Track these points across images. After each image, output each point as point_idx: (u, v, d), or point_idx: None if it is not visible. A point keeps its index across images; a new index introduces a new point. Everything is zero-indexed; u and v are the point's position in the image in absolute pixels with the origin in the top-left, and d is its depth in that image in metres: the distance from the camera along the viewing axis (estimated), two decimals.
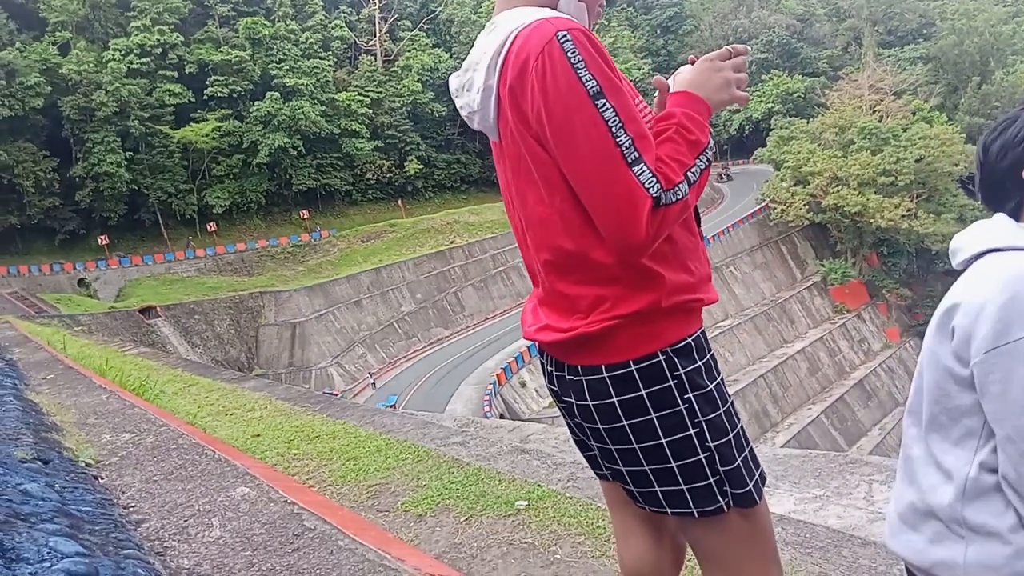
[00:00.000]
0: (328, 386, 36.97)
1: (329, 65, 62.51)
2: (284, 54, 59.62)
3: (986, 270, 1.18)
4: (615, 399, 1.36)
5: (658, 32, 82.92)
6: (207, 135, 53.51)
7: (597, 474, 1.66)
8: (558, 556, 2.71)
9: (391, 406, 26.41)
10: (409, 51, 69.29)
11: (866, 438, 40.15)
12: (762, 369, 40.35)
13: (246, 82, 57.32)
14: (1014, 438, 1.09)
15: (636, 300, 1.33)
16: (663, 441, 1.37)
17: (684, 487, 1.38)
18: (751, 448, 1.47)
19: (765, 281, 49.75)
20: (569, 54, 1.25)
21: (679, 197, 1.27)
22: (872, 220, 47.39)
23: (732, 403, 1.45)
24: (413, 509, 3.28)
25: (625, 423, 1.37)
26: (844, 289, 49.70)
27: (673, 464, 1.37)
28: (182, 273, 48.49)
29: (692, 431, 1.37)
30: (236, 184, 57.02)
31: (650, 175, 1.25)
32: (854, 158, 48.85)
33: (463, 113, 1.50)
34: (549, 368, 1.52)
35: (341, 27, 67.22)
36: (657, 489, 1.41)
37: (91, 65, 49.73)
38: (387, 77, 66.93)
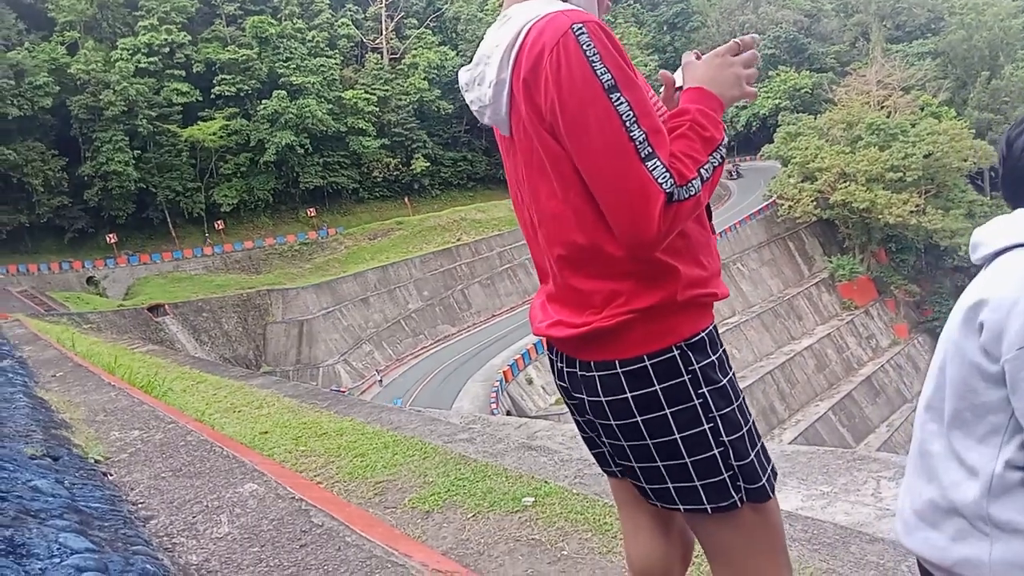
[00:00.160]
0: (335, 383, 37.05)
1: (336, 63, 62.58)
2: (291, 52, 59.71)
3: (1014, 265, 1.16)
4: (629, 395, 1.36)
5: (664, 28, 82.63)
6: (214, 134, 53.68)
7: (605, 471, 1.65)
8: (565, 552, 2.71)
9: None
10: (415, 49, 69.27)
11: (874, 435, 40.00)
12: (769, 366, 40.25)
13: (253, 81, 57.45)
14: None
15: (651, 294, 1.33)
16: (677, 437, 1.36)
17: (698, 483, 1.38)
18: (763, 443, 1.47)
19: (773, 278, 49.59)
20: (584, 47, 1.24)
21: (692, 194, 1.26)
22: (880, 216, 47.16)
23: (744, 398, 1.45)
24: (420, 505, 3.28)
25: (639, 419, 1.37)
26: (852, 285, 49.49)
27: (687, 460, 1.37)
28: (190, 271, 48.72)
29: (706, 426, 1.36)
30: (243, 182, 57.18)
31: (663, 170, 1.24)
32: (862, 154, 48.60)
33: (474, 108, 1.49)
34: (560, 364, 1.51)
35: (347, 25, 67.26)
36: (670, 485, 1.40)
37: (99, 64, 49.93)
38: (393, 75, 66.96)
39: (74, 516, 2.01)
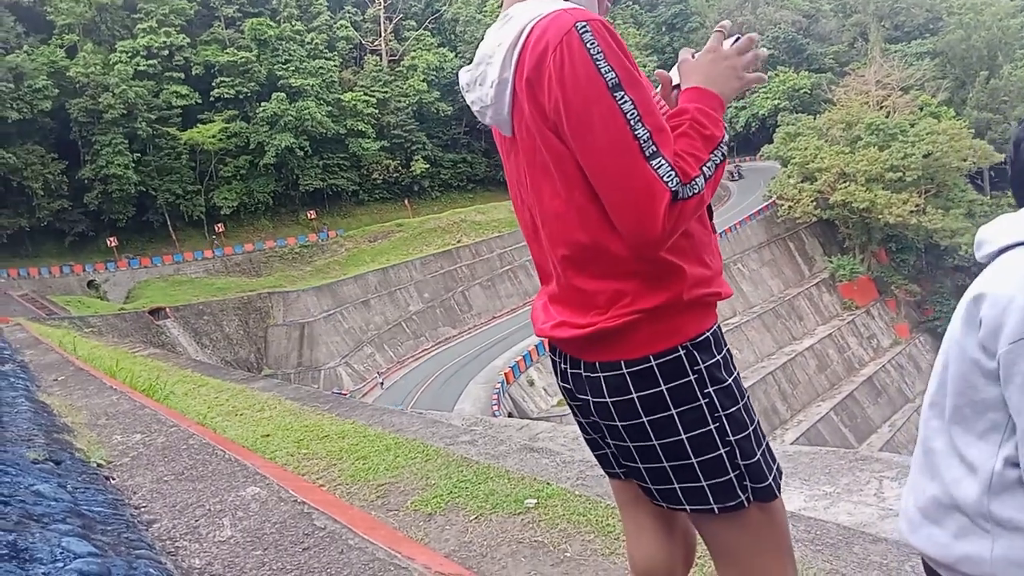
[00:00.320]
0: (337, 386, 37.06)
1: (335, 65, 62.65)
2: (290, 55, 59.79)
3: (1015, 263, 1.16)
4: (634, 395, 1.35)
5: (663, 29, 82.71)
6: (214, 136, 53.71)
7: (608, 473, 1.65)
8: (568, 554, 2.71)
9: None
10: (414, 51, 69.36)
11: (876, 435, 39.98)
12: (771, 366, 40.23)
13: (252, 83, 57.50)
14: None
15: (657, 294, 1.33)
16: (683, 437, 1.36)
17: (704, 483, 1.37)
18: (768, 442, 1.47)
19: (773, 278, 49.58)
20: (588, 45, 1.24)
21: (695, 191, 1.26)
22: (880, 216, 47.16)
23: (748, 397, 1.45)
24: (423, 508, 3.28)
25: (645, 419, 1.36)
26: (853, 285, 49.49)
27: (693, 460, 1.36)
28: (191, 274, 48.73)
29: (712, 426, 1.36)
30: (243, 185, 57.22)
31: (668, 168, 1.24)
32: (861, 154, 48.61)
33: (475, 108, 1.49)
34: (563, 366, 1.50)
35: (346, 27, 67.34)
36: (676, 486, 1.40)
37: (98, 67, 49.99)
38: (392, 77, 67.04)
39: (77, 520, 2.01)
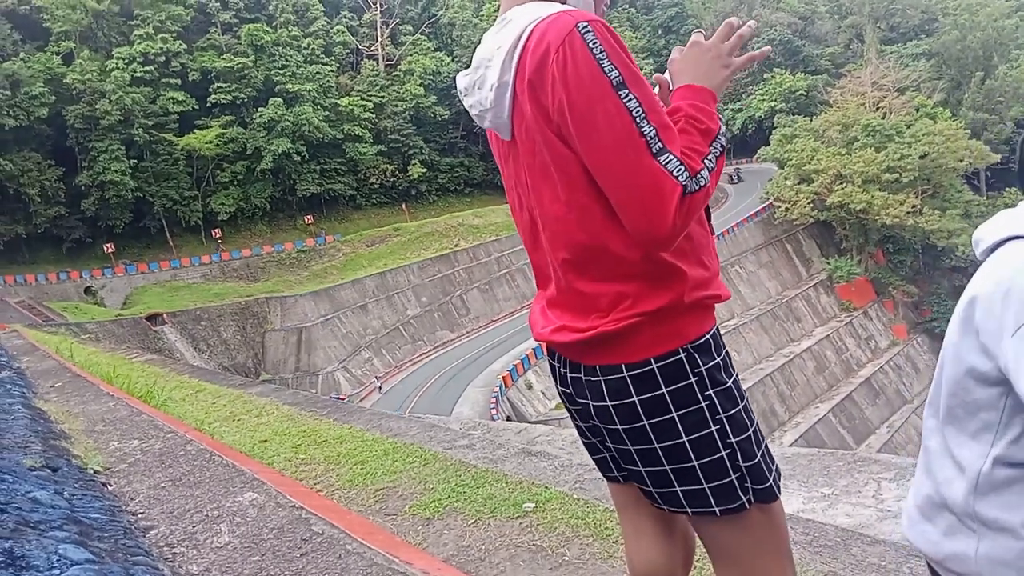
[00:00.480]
0: (335, 391, 37.01)
1: (331, 70, 62.71)
2: (286, 60, 59.83)
3: (1006, 256, 1.15)
4: (635, 398, 1.35)
5: (659, 32, 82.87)
6: (211, 142, 53.72)
7: (607, 476, 1.65)
8: (566, 558, 2.71)
9: None
10: (411, 55, 69.44)
11: (875, 436, 39.98)
12: (769, 368, 40.24)
13: (249, 89, 57.53)
14: None
15: (658, 297, 1.33)
16: (684, 440, 1.36)
17: (706, 485, 1.38)
18: (767, 443, 1.47)
19: (771, 280, 49.62)
20: (591, 45, 1.24)
21: (702, 185, 1.27)
22: (877, 217, 47.23)
23: (748, 398, 1.45)
24: (421, 512, 3.28)
25: (646, 422, 1.36)
26: (850, 287, 49.54)
27: (695, 462, 1.37)
28: (188, 280, 48.67)
29: (713, 428, 1.36)
30: (240, 190, 57.21)
31: (678, 163, 1.24)
32: (858, 155, 48.70)
33: (473, 112, 1.48)
34: (562, 370, 1.50)
35: (343, 32, 67.41)
36: (678, 489, 1.40)
37: (95, 74, 50.01)
38: (389, 81, 67.11)
39: (74, 527, 2.01)
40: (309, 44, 62.35)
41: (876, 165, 47.55)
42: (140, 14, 55.38)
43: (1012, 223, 1.19)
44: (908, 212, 46.84)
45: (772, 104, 67.11)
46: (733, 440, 1.37)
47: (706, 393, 1.36)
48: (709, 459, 1.36)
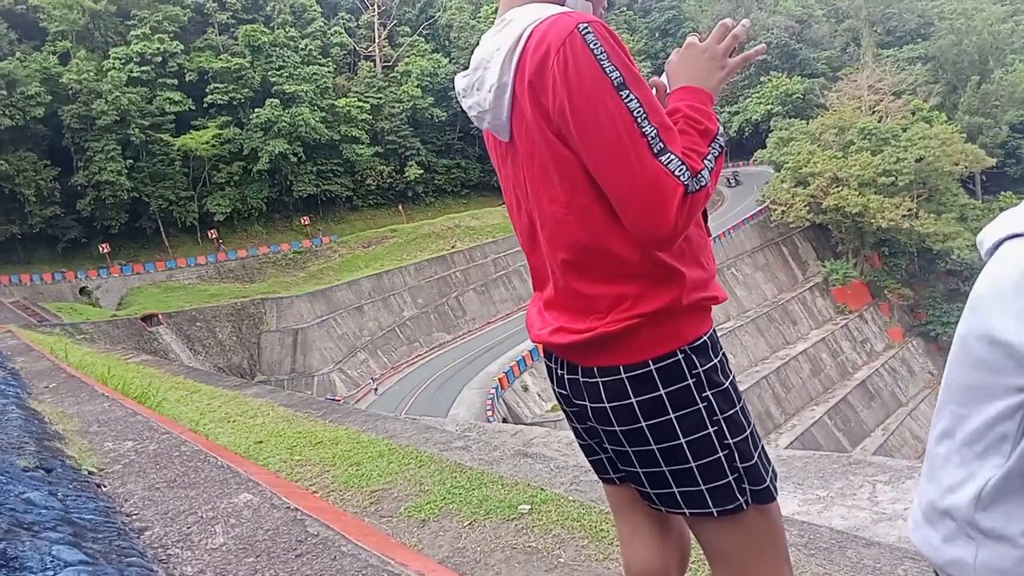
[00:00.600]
0: (330, 392, 36.96)
1: (328, 71, 62.70)
2: (284, 61, 59.79)
3: (1006, 255, 1.15)
4: (633, 400, 1.35)
5: (656, 35, 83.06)
6: (207, 142, 53.64)
7: (603, 478, 1.65)
8: (562, 560, 2.71)
9: None
10: (408, 57, 69.46)
11: (869, 439, 40.05)
12: (764, 371, 40.31)
13: (246, 89, 57.47)
14: None
15: (657, 298, 1.33)
16: (682, 441, 1.36)
17: (703, 487, 1.38)
18: (763, 444, 1.47)
19: (767, 282, 49.71)
20: (592, 46, 1.24)
21: (703, 184, 1.27)
22: (873, 220, 47.33)
23: (744, 400, 1.45)
24: (416, 514, 3.27)
25: (643, 424, 1.36)
26: (846, 290, 49.65)
27: (692, 464, 1.37)
28: (184, 281, 48.57)
29: (711, 429, 1.36)
30: (237, 191, 57.14)
31: (679, 163, 1.25)
32: (854, 159, 48.82)
33: (472, 113, 1.48)
34: (560, 371, 1.50)
35: (340, 33, 67.40)
36: (675, 490, 1.40)
37: (91, 74, 49.89)
38: (386, 83, 67.11)
39: (68, 528, 2.00)
40: (306, 45, 62.33)
41: (872, 168, 47.69)
42: (137, 14, 55.30)
43: (1012, 222, 1.18)
44: (904, 216, 46.97)
45: (768, 107, 67.28)
46: (731, 441, 1.37)
47: (704, 394, 1.36)
48: (707, 460, 1.37)
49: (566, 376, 1.47)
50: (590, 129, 1.25)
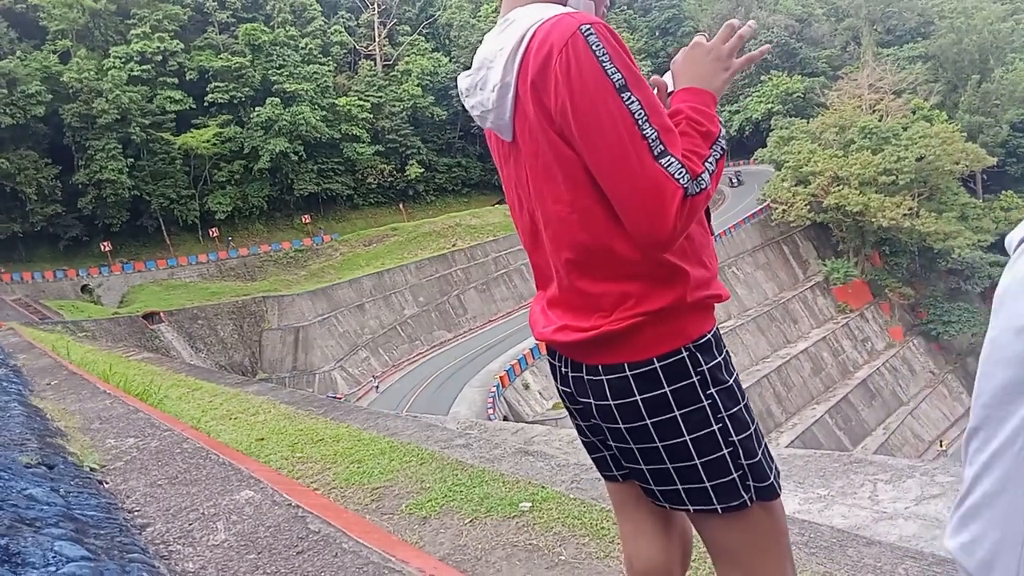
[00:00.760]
0: (331, 390, 36.99)
1: (329, 70, 62.68)
2: (284, 60, 59.79)
3: None
4: (638, 397, 1.36)
5: (657, 34, 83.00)
6: (208, 141, 53.66)
7: (605, 476, 1.65)
8: (563, 558, 2.71)
9: None
10: (408, 55, 69.44)
11: (870, 437, 40.08)
12: (765, 369, 40.31)
13: (246, 88, 57.47)
14: None
15: (662, 296, 1.33)
16: (687, 438, 1.36)
17: (708, 484, 1.38)
18: (766, 441, 1.48)
19: (767, 281, 49.70)
20: (594, 47, 1.24)
21: (703, 187, 1.27)
22: (874, 219, 47.32)
23: (748, 397, 1.46)
24: (417, 511, 3.27)
25: (648, 421, 1.37)
26: (847, 288, 49.64)
27: (697, 461, 1.37)
28: (185, 279, 48.61)
29: (715, 427, 1.37)
30: (238, 190, 57.16)
31: (679, 166, 1.25)
32: (855, 157, 48.80)
33: (475, 112, 1.49)
34: (564, 369, 1.50)
35: (340, 32, 67.38)
36: (680, 487, 1.40)
37: (92, 73, 49.90)
38: (387, 82, 67.09)
39: (70, 524, 2.00)
40: (307, 44, 62.31)
41: (873, 167, 47.66)
42: (137, 13, 55.28)
43: None
44: (904, 214, 46.96)
45: (769, 106, 67.25)
46: (735, 438, 1.38)
47: (708, 392, 1.36)
48: (711, 457, 1.37)
49: (570, 374, 1.48)
50: (591, 130, 1.26)
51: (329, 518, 2.52)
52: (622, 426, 1.40)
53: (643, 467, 1.43)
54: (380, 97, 64.82)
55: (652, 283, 1.34)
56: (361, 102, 62.70)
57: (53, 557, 1.69)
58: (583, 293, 1.39)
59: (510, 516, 3.10)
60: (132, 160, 51.38)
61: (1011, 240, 1.20)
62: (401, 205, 64.64)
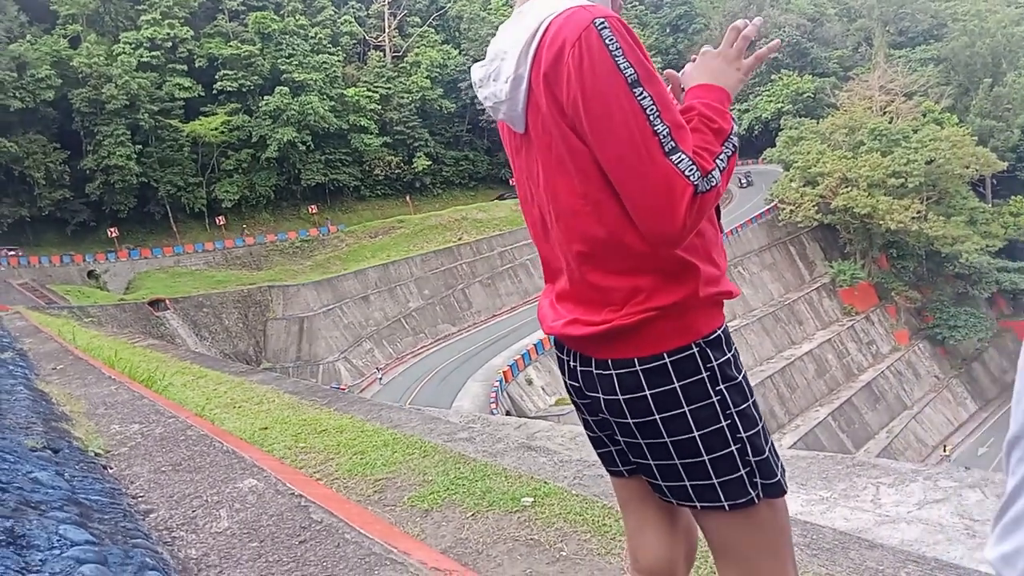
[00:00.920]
0: (335, 381, 37.07)
1: (338, 60, 62.67)
2: (293, 49, 59.77)
3: None
4: (647, 392, 1.36)
5: (667, 31, 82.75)
6: (216, 129, 53.75)
7: (611, 471, 1.64)
8: (564, 553, 2.71)
9: None
10: (418, 47, 69.37)
11: (873, 441, 40.01)
12: (769, 370, 40.26)
13: (255, 77, 57.51)
14: None
15: (673, 291, 1.33)
16: (695, 434, 1.36)
17: (715, 480, 1.38)
18: (772, 439, 1.48)
19: (773, 282, 49.59)
20: (607, 41, 1.24)
21: (713, 184, 1.27)
22: (881, 222, 47.15)
23: (755, 394, 1.46)
24: (419, 504, 3.28)
25: (657, 416, 1.37)
26: (853, 291, 49.50)
27: (705, 457, 1.37)
28: (191, 266, 48.76)
29: (724, 423, 1.37)
30: (245, 178, 57.25)
31: (689, 162, 1.24)
32: (864, 159, 48.61)
33: (487, 104, 1.48)
34: (572, 363, 1.50)
35: (350, 22, 67.34)
36: (687, 483, 1.40)
37: (101, 58, 49.99)
38: (396, 73, 67.05)
39: (74, 508, 2.01)
40: (316, 33, 62.28)
41: (882, 169, 47.46)
42: None
43: None
44: (913, 218, 46.75)
45: (779, 106, 67.02)
46: (743, 435, 1.38)
47: (717, 388, 1.36)
48: (719, 453, 1.37)
49: (579, 368, 1.48)
50: (603, 125, 1.26)
51: (332, 508, 2.53)
52: (631, 421, 1.40)
53: (651, 462, 1.43)
54: (389, 88, 64.78)
55: (664, 278, 1.34)
56: (370, 93, 62.67)
57: (58, 540, 1.69)
58: (594, 287, 1.39)
59: (512, 511, 3.10)
60: (140, 146, 51.50)
61: None
62: (408, 197, 64.65)
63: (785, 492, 1.44)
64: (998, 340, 50.44)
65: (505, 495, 3.26)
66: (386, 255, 50.98)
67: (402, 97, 64.98)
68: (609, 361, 1.39)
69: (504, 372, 32.44)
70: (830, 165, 49.08)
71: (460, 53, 68.58)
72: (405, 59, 68.52)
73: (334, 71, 61.25)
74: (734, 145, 1.37)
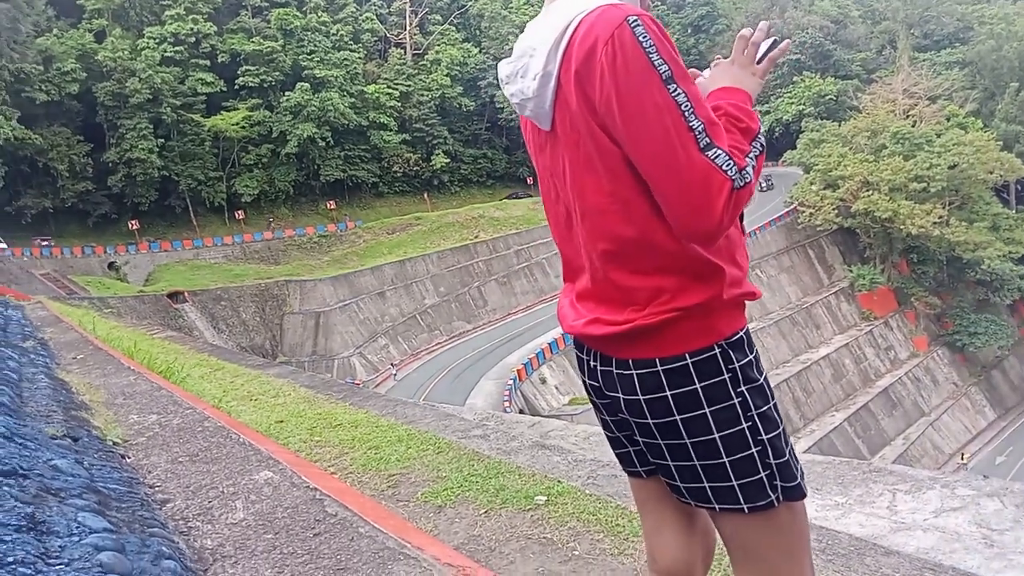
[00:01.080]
0: (350, 376, 37.26)
1: (359, 57, 62.93)
2: (315, 45, 60.10)
3: None
4: (668, 393, 1.35)
5: (689, 31, 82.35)
6: (237, 124, 54.17)
7: (629, 472, 1.64)
8: (576, 552, 2.70)
9: None
10: (439, 45, 69.49)
11: (889, 447, 39.62)
12: (785, 374, 39.98)
13: (277, 72, 57.89)
14: None
15: (697, 292, 1.33)
16: (716, 436, 1.36)
17: (735, 483, 1.37)
18: (792, 442, 1.47)
19: (791, 285, 49.22)
20: (641, 38, 1.24)
21: (747, 181, 1.27)
22: (902, 226, 46.60)
23: (775, 396, 1.45)
24: (433, 500, 3.28)
25: (677, 418, 1.36)
26: (872, 296, 49.02)
27: (725, 459, 1.36)
28: (210, 260, 49.20)
29: (745, 425, 1.36)
30: (265, 173, 57.66)
31: (727, 157, 1.24)
32: (886, 163, 48.09)
33: (513, 100, 1.48)
34: (592, 363, 1.49)
35: (372, 20, 67.58)
36: (706, 485, 1.40)
37: (126, 52, 50.56)
38: (416, 71, 67.22)
39: (93, 496, 2.03)
40: (338, 30, 62.57)
41: (904, 173, 46.93)
42: None
43: None
44: (934, 223, 46.15)
45: (800, 107, 66.50)
46: (764, 437, 1.37)
47: (739, 390, 1.35)
48: (740, 456, 1.36)
49: (599, 368, 1.47)
50: (637, 122, 1.25)
51: (346, 502, 2.54)
52: (651, 422, 1.39)
53: (670, 463, 1.42)
54: (409, 86, 64.96)
55: (688, 279, 1.33)
56: (390, 90, 62.90)
57: (76, 527, 1.72)
58: (617, 286, 1.39)
59: (525, 509, 3.10)
60: (162, 140, 52.05)
61: None
62: (425, 194, 64.80)
63: (805, 495, 1.43)
64: (1019, 348, 49.79)
65: (518, 493, 3.26)
66: (403, 252, 51.14)
67: (422, 95, 65.14)
68: (630, 361, 1.38)
69: (518, 371, 32.45)
70: (851, 168, 48.60)
71: (480, 51, 68.62)
72: (425, 57, 68.68)
73: (355, 68, 61.51)
74: (762, 144, 1.37)
